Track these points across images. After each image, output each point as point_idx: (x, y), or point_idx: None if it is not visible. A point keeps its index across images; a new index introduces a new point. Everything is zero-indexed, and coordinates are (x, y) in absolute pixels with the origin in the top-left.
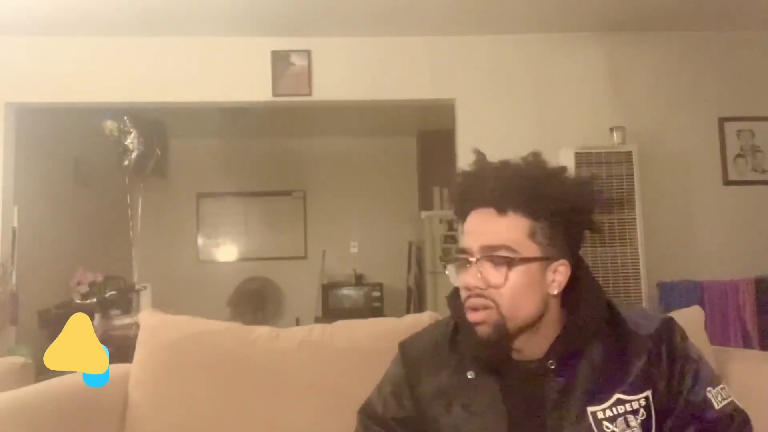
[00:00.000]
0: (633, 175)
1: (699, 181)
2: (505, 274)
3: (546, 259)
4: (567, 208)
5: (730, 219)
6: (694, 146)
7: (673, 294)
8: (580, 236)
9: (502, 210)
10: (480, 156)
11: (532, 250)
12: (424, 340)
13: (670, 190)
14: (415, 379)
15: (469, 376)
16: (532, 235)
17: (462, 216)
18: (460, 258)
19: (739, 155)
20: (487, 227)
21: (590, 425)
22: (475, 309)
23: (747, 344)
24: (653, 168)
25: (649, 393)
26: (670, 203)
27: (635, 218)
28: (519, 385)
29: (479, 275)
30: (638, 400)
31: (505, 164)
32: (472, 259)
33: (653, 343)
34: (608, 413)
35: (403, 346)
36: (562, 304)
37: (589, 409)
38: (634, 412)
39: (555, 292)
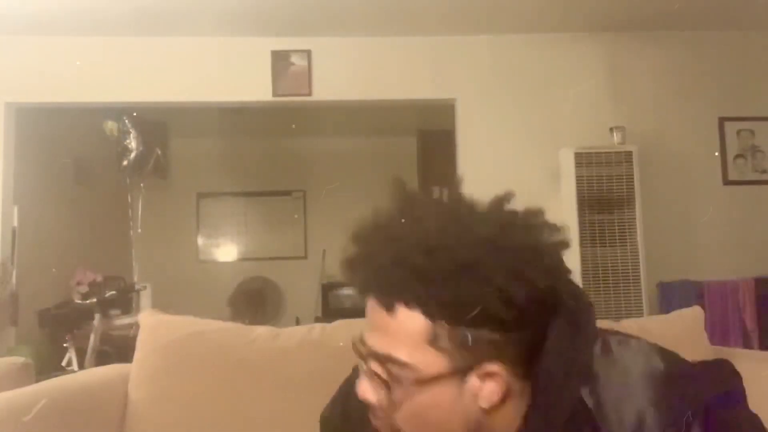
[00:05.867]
0: (633, 175)
1: (699, 181)
2: (396, 396)
3: (458, 372)
4: (476, 307)
5: (730, 219)
6: (694, 146)
7: (673, 294)
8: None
9: (388, 306)
10: (399, 195)
11: (433, 362)
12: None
13: (670, 190)
14: None
15: None
16: (435, 342)
17: None
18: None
19: (739, 155)
20: (377, 323)
21: None
22: None
23: (747, 344)
24: (653, 168)
25: None
26: (670, 203)
27: (635, 218)
28: None
29: (373, 389)
30: None
31: (411, 221)
32: (365, 366)
33: None
34: None
35: (326, 420)
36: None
37: None
38: None
39: (485, 406)
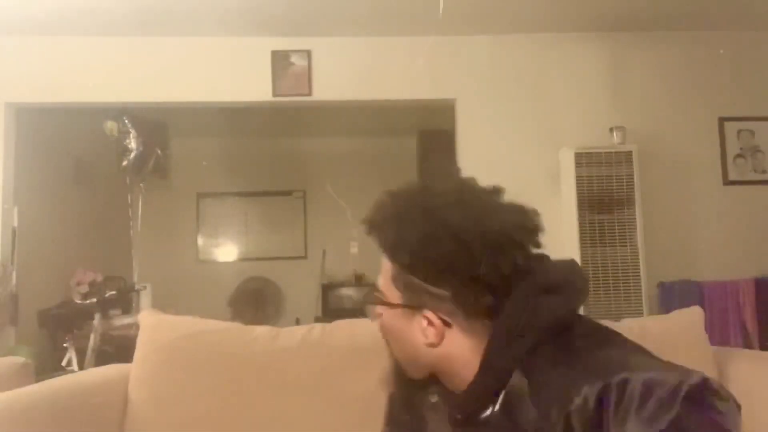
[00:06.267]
0: (633, 175)
1: (699, 181)
2: (377, 314)
3: (406, 307)
4: (408, 257)
5: (730, 219)
6: (694, 146)
7: (673, 294)
8: (467, 288)
9: (382, 250)
10: (396, 190)
11: (393, 295)
12: None
13: (670, 190)
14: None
15: (432, 400)
16: (394, 280)
17: None
18: None
19: (739, 155)
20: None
21: None
22: None
23: (747, 344)
24: (653, 168)
25: None
26: (670, 203)
27: (635, 218)
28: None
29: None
30: None
31: (391, 198)
32: None
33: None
34: None
35: (391, 395)
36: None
37: None
38: None
39: (426, 342)
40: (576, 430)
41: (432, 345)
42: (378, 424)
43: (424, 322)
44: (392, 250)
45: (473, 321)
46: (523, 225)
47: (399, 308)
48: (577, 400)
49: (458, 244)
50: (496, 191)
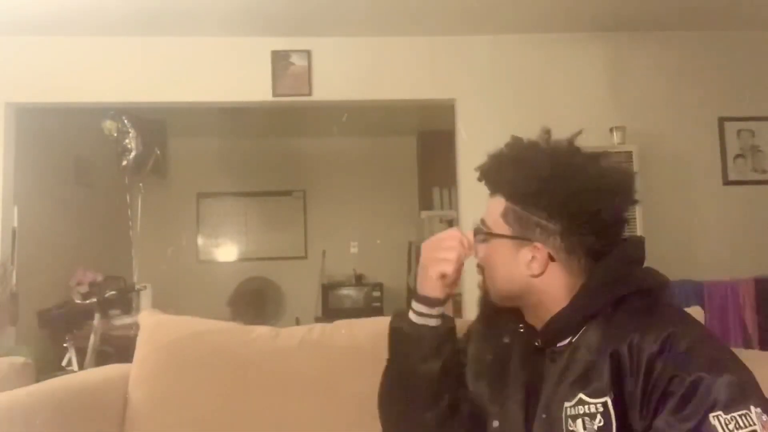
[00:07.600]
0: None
1: (699, 181)
2: (481, 247)
3: (514, 239)
4: (531, 192)
5: (730, 219)
6: (694, 146)
7: (673, 294)
8: (576, 226)
9: (493, 191)
10: (514, 139)
11: (502, 229)
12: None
13: (670, 190)
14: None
15: (505, 340)
16: (504, 215)
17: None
18: None
19: (739, 155)
20: (488, 204)
21: (559, 417)
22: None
23: (747, 344)
24: (653, 168)
25: (608, 399)
26: (670, 203)
27: (635, 218)
28: (526, 356)
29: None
30: (596, 404)
31: (511, 147)
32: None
33: (628, 349)
34: (572, 411)
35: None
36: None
37: (564, 403)
38: (591, 416)
39: (528, 272)
40: (624, 367)
41: (534, 276)
42: (376, 424)
43: (530, 255)
44: (510, 188)
45: (573, 260)
46: (633, 184)
47: (509, 239)
48: (631, 343)
49: (580, 183)
50: (601, 157)
